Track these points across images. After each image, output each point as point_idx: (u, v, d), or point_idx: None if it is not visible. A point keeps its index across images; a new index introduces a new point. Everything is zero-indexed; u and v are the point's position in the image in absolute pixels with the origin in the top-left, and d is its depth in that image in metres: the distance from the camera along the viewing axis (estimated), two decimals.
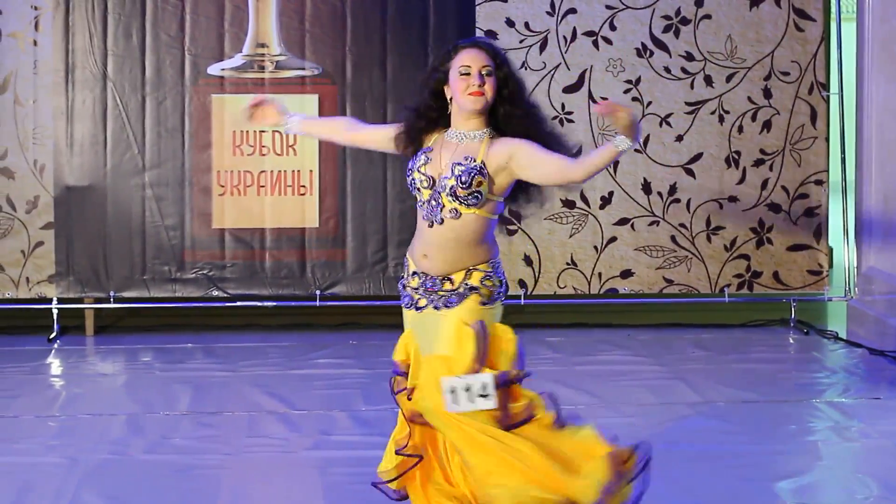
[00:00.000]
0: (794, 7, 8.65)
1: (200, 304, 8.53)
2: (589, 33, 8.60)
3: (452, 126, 4.44)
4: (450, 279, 4.37)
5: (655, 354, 7.95)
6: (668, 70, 8.63)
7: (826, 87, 8.78)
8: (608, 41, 8.60)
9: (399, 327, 4.58)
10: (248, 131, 8.37)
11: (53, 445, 6.02)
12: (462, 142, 4.40)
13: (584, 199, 8.60)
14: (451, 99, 4.43)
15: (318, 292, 8.49)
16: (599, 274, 8.64)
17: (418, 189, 4.40)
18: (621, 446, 4.33)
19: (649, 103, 8.61)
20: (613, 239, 8.64)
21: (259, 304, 8.55)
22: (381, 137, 4.64)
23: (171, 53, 8.41)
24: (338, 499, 5.28)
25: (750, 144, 8.69)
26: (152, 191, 8.40)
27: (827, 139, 8.76)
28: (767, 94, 8.68)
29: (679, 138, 8.64)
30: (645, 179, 8.63)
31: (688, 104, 8.65)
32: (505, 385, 4.30)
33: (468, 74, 4.36)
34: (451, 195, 4.32)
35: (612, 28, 8.60)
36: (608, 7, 8.59)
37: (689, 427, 6.31)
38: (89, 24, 8.36)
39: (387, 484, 4.53)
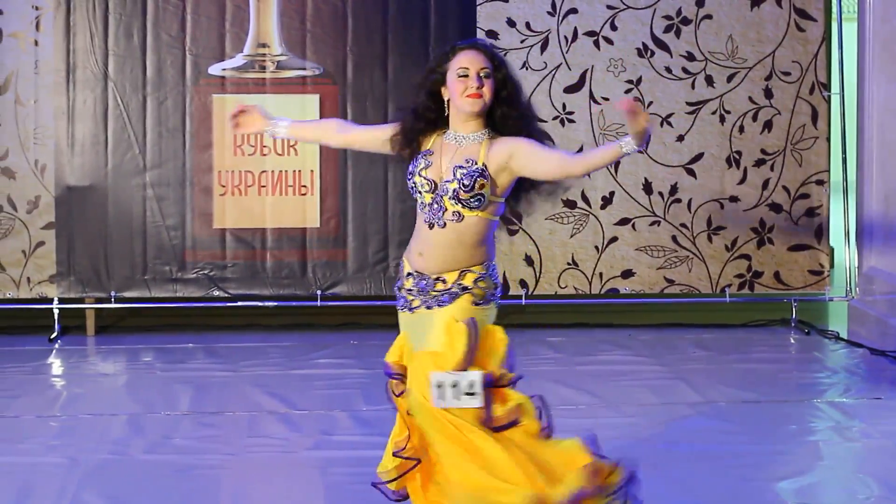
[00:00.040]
0: (795, 7, 8.65)
1: (201, 304, 8.53)
2: (590, 33, 8.60)
3: (451, 128, 4.44)
4: (442, 279, 4.36)
5: (656, 354, 7.95)
6: (669, 70, 8.63)
7: (827, 87, 8.77)
8: (609, 41, 8.60)
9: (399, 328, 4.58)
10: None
11: (54, 445, 6.02)
12: (462, 144, 4.40)
13: (585, 199, 8.60)
14: (448, 100, 4.43)
15: (318, 292, 8.49)
16: (600, 274, 8.64)
17: (419, 192, 4.40)
18: (605, 460, 4.31)
19: (650, 103, 8.61)
20: (614, 239, 8.64)
21: (260, 304, 8.55)
22: (374, 139, 4.61)
23: (172, 53, 8.41)
24: (338, 499, 5.29)
25: (751, 144, 8.69)
26: (153, 191, 8.40)
27: (828, 139, 8.76)
28: (768, 94, 8.68)
29: (680, 138, 8.64)
30: (646, 179, 8.63)
31: (689, 104, 8.65)
32: (492, 385, 4.28)
33: (466, 76, 4.36)
34: (453, 198, 4.33)
35: (613, 28, 8.60)
36: (609, 7, 8.59)
37: (689, 427, 6.31)
38: (90, 23, 8.36)
39: (386, 484, 4.53)
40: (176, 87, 8.42)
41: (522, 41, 8.57)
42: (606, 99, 8.60)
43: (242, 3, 8.45)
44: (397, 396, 4.49)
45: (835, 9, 8.79)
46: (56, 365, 7.83)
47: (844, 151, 8.75)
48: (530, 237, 8.59)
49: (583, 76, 8.60)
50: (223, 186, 8.45)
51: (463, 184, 4.31)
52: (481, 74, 4.36)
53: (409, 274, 4.45)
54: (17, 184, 8.38)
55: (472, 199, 4.32)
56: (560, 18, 8.58)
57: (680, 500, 5.25)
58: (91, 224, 8.38)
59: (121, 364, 7.80)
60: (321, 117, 8.23)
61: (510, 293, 8.59)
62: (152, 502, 5.28)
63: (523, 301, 8.62)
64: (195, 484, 5.47)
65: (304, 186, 8.49)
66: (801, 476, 5.53)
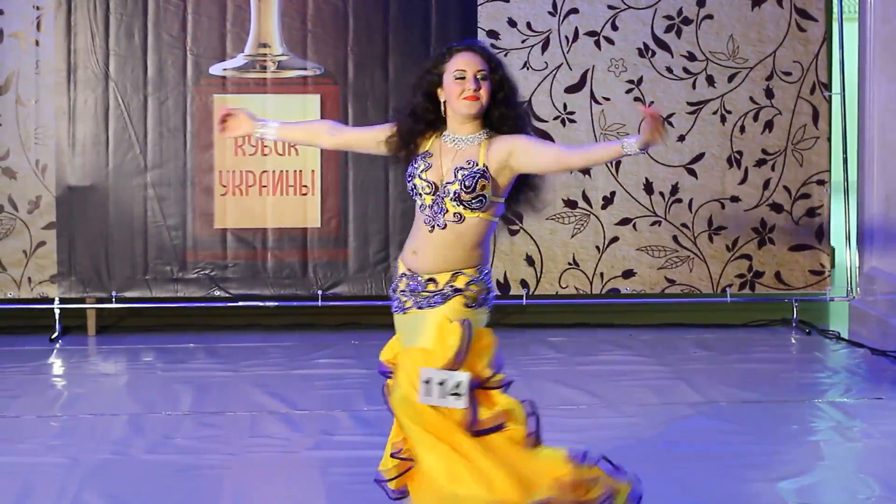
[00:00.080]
0: (796, 7, 8.65)
1: (202, 304, 8.53)
2: (591, 33, 8.60)
3: (449, 130, 4.44)
4: (433, 280, 4.36)
5: (657, 354, 7.95)
6: (669, 70, 8.63)
7: (828, 87, 8.77)
8: (610, 41, 8.60)
9: None
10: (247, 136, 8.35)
11: (55, 445, 6.02)
12: (461, 146, 4.40)
13: (585, 199, 8.60)
14: (444, 102, 4.42)
15: (319, 292, 8.49)
16: (601, 274, 8.64)
17: (420, 195, 4.40)
18: (587, 476, 4.29)
19: (651, 103, 8.60)
20: (615, 239, 8.64)
21: (261, 304, 8.55)
22: (369, 140, 4.59)
23: (173, 53, 8.41)
24: (339, 499, 5.29)
25: (752, 144, 8.69)
26: (154, 191, 8.40)
27: (829, 139, 8.76)
28: (769, 94, 8.68)
29: (681, 138, 8.64)
30: (647, 179, 8.63)
31: (690, 104, 8.65)
32: (479, 387, 4.27)
33: (463, 78, 4.36)
34: (455, 200, 4.33)
35: (614, 28, 8.60)
36: (610, 7, 8.59)
37: (690, 427, 6.31)
38: (91, 23, 8.36)
39: (387, 482, 4.53)
40: (177, 87, 8.42)
41: (523, 41, 8.57)
42: (607, 99, 8.60)
43: (243, 3, 8.45)
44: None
45: (836, 9, 8.79)
46: (57, 365, 7.83)
47: (845, 151, 8.75)
48: (531, 237, 8.59)
49: (584, 76, 8.60)
50: (224, 186, 8.45)
51: (465, 185, 4.32)
52: (478, 76, 4.36)
53: (402, 275, 4.46)
54: (18, 184, 8.38)
55: (473, 201, 4.33)
56: (561, 18, 8.58)
57: (680, 500, 5.25)
58: (92, 224, 8.38)
59: (122, 364, 7.80)
60: (322, 117, 8.23)
61: (511, 293, 8.60)
62: (153, 502, 5.28)
63: (524, 301, 8.62)
64: (196, 484, 5.47)
65: (305, 186, 8.49)
66: (802, 476, 5.53)
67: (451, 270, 4.35)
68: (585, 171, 8.56)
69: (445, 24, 8.48)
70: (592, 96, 8.60)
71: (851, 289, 8.71)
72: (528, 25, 8.57)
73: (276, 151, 8.46)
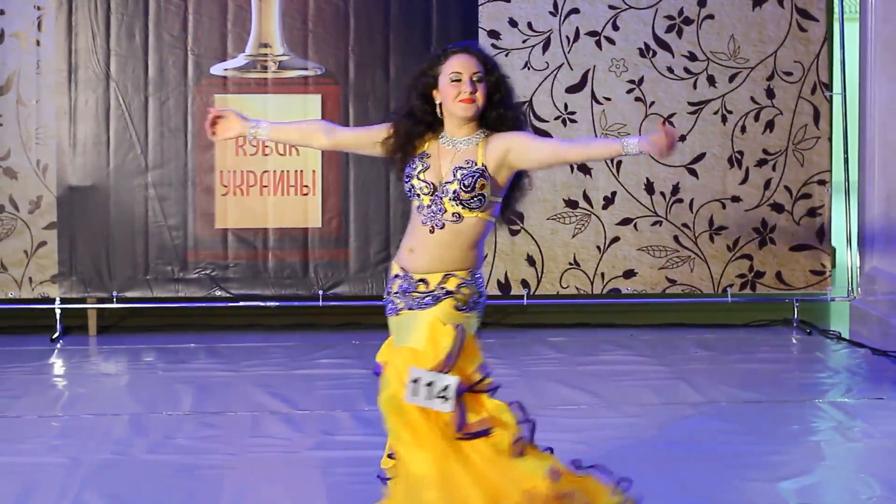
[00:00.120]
0: (797, 7, 8.65)
1: (203, 304, 8.54)
2: (592, 33, 8.60)
3: (446, 131, 4.44)
4: (425, 281, 4.36)
5: (658, 354, 7.95)
6: (670, 70, 8.63)
7: (829, 87, 8.77)
8: (611, 41, 8.60)
9: None
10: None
11: (56, 445, 6.02)
12: (459, 148, 4.40)
13: (586, 199, 8.61)
14: (440, 104, 4.42)
15: (320, 292, 8.49)
16: (602, 274, 8.64)
17: (417, 195, 4.39)
18: (563, 491, 4.25)
19: (652, 103, 8.61)
20: (616, 239, 8.64)
21: (262, 304, 8.55)
22: (364, 141, 4.57)
23: (174, 53, 8.42)
24: (340, 499, 5.29)
25: (753, 144, 8.69)
26: (155, 191, 8.41)
27: (830, 139, 8.76)
28: (770, 94, 8.68)
29: (682, 138, 8.64)
30: (648, 179, 8.63)
31: (690, 104, 8.65)
32: (467, 391, 4.26)
33: (459, 81, 4.36)
34: (454, 199, 4.33)
35: (615, 28, 8.60)
36: (611, 7, 8.59)
37: (691, 427, 6.31)
38: (92, 24, 8.36)
39: (388, 480, 4.53)
40: (178, 87, 8.42)
41: (524, 41, 8.57)
42: (608, 99, 8.60)
43: (244, 3, 8.45)
44: None
45: (836, 9, 8.79)
46: (58, 365, 7.83)
47: (846, 151, 8.75)
48: (532, 237, 8.59)
49: (585, 76, 8.60)
50: (225, 186, 8.45)
51: (464, 184, 4.32)
52: (474, 79, 4.36)
53: (395, 276, 4.45)
54: (19, 184, 8.38)
55: (472, 200, 4.33)
56: (562, 18, 8.58)
57: (681, 500, 5.25)
58: (93, 224, 8.39)
59: (122, 364, 7.80)
60: (323, 118, 8.23)
61: (512, 293, 8.60)
62: (154, 502, 5.28)
63: (525, 301, 8.62)
64: (197, 484, 5.48)
65: (306, 186, 8.49)
66: (803, 476, 5.53)
67: (444, 271, 4.35)
68: (586, 171, 8.57)
69: (446, 24, 8.49)
70: (593, 96, 8.60)
71: (852, 289, 8.71)
72: (529, 25, 8.57)
73: (276, 152, 8.46)
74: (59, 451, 5.91)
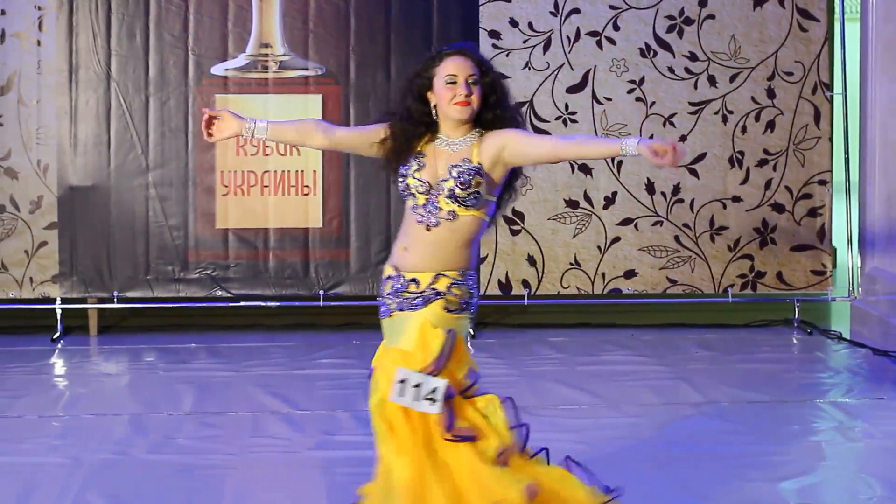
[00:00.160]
0: (798, 7, 8.65)
1: (204, 304, 8.54)
2: (592, 33, 8.60)
3: (441, 132, 4.42)
4: (416, 280, 4.34)
5: (659, 354, 7.95)
6: (671, 70, 8.63)
7: (830, 87, 8.77)
8: (612, 41, 8.60)
9: None
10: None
11: (57, 445, 6.02)
12: (454, 149, 4.39)
13: (587, 199, 8.60)
14: (434, 106, 4.41)
15: (321, 292, 8.49)
16: (603, 274, 8.64)
17: (412, 194, 4.39)
18: None
19: (653, 103, 8.61)
20: (617, 239, 8.64)
21: (262, 304, 8.55)
22: (361, 141, 4.53)
23: (175, 53, 8.42)
24: (341, 499, 5.28)
25: (753, 144, 8.69)
26: (156, 191, 8.41)
27: (830, 139, 8.76)
28: (771, 94, 8.68)
29: (683, 138, 8.64)
30: (648, 179, 8.63)
31: (691, 104, 8.65)
32: (454, 396, 4.25)
33: (454, 83, 4.35)
34: (450, 197, 4.32)
35: (616, 28, 8.59)
36: (612, 7, 8.59)
37: (692, 427, 6.31)
38: (93, 24, 8.36)
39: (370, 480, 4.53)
40: (179, 87, 8.42)
41: (525, 41, 8.57)
42: (609, 99, 8.60)
43: (245, 3, 8.45)
44: None
45: (837, 9, 8.78)
46: (59, 365, 7.84)
47: (847, 152, 8.75)
48: (533, 237, 8.59)
49: (585, 76, 8.60)
50: (226, 186, 8.46)
51: (460, 182, 4.31)
52: (469, 81, 4.35)
53: (387, 277, 4.44)
54: (20, 184, 8.38)
55: (468, 197, 4.32)
56: (563, 18, 8.58)
57: (681, 500, 5.25)
58: (94, 224, 8.39)
59: (123, 364, 7.80)
60: (324, 118, 8.23)
61: (513, 293, 8.60)
62: (155, 502, 5.28)
63: (526, 301, 8.62)
64: (198, 484, 5.48)
65: (307, 186, 8.49)
66: (804, 476, 5.53)
67: (435, 271, 4.33)
68: (587, 171, 8.57)
69: (447, 24, 8.49)
70: (594, 96, 8.60)
71: (853, 289, 8.71)
72: (530, 25, 8.57)
73: (277, 152, 8.46)
74: (59, 451, 5.91)
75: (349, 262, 8.51)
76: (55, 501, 5.24)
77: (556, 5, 8.57)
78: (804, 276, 8.74)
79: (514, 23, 8.56)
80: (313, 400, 6.85)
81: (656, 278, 8.67)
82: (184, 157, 8.44)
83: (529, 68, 8.54)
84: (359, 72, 8.47)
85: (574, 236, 8.62)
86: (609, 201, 8.62)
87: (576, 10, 8.57)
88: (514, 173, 4.50)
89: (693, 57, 8.64)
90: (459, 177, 4.32)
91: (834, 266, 9.02)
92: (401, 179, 4.42)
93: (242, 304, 8.53)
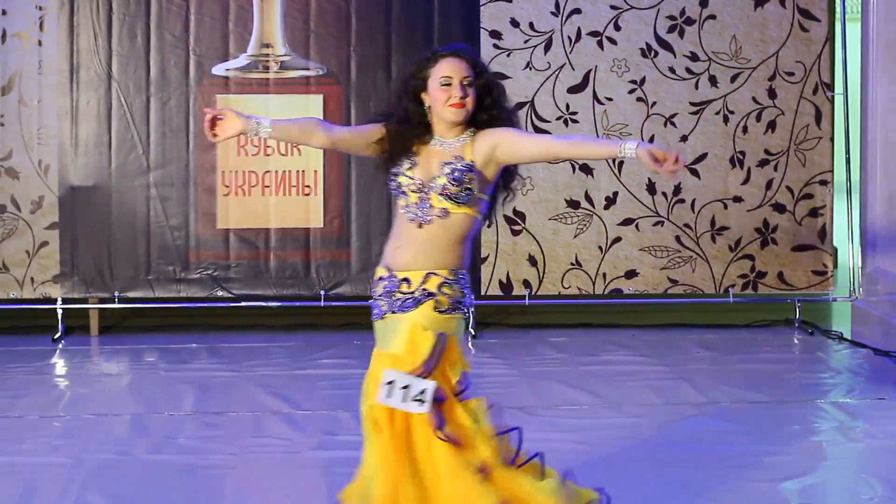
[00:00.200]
0: (799, 7, 8.65)
1: (205, 305, 8.54)
2: (593, 33, 8.60)
3: (435, 133, 4.41)
4: (407, 280, 4.33)
5: (660, 355, 7.94)
6: (672, 70, 8.63)
7: (831, 87, 8.76)
8: (613, 41, 8.60)
9: None
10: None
11: (58, 445, 6.02)
12: (447, 148, 4.38)
13: (588, 199, 8.60)
14: (428, 107, 4.40)
15: (322, 292, 8.49)
16: (604, 274, 8.63)
17: (404, 193, 4.38)
18: None
19: (654, 104, 8.61)
20: (618, 239, 8.64)
21: (263, 304, 8.55)
22: (359, 140, 4.51)
23: (176, 54, 8.42)
24: None
25: (754, 145, 8.69)
26: (157, 191, 8.41)
27: (832, 139, 8.76)
28: (772, 94, 8.68)
29: (684, 138, 8.64)
30: (649, 180, 8.62)
31: (692, 104, 8.65)
32: (444, 400, 4.24)
33: (449, 85, 4.35)
34: (442, 194, 4.31)
35: (617, 28, 8.59)
36: (613, 7, 8.59)
37: (693, 427, 6.31)
38: (94, 24, 8.36)
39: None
40: (179, 87, 8.42)
41: (526, 41, 8.57)
42: (610, 99, 8.60)
43: (246, 4, 8.45)
44: None
45: (838, 9, 8.78)
46: (59, 365, 7.84)
47: (848, 152, 8.74)
48: (534, 237, 8.59)
49: (586, 76, 8.60)
50: (227, 186, 8.46)
51: (452, 178, 4.30)
52: (464, 83, 4.35)
53: (380, 278, 4.43)
54: (21, 184, 8.38)
55: (461, 193, 4.30)
56: (564, 18, 8.58)
57: (682, 500, 5.25)
58: (95, 224, 8.39)
59: (124, 364, 7.80)
60: (325, 118, 8.23)
61: (514, 293, 8.60)
62: (156, 502, 5.28)
63: (527, 301, 8.61)
64: (198, 484, 5.48)
65: (308, 187, 8.49)
66: (805, 476, 5.53)
67: (427, 269, 4.32)
68: (588, 172, 8.57)
69: (448, 25, 8.49)
70: (595, 96, 8.60)
71: (854, 289, 8.71)
72: (531, 25, 8.57)
73: (278, 152, 8.46)
74: (60, 452, 5.91)
75: (350, 262, 8.51)
76: (56, 501, 5.24)
77: (557, 5, 8.57)
78: (805, 277, 8.74)
79: (515, 23, 8.56)
80: (314, 400, 6.85)
81: (657, 278, 8.67)
82: (185, 157, 8.44)
83: (530, 68, 8.54)
84: (360, 72, 8.47)
85: (575, 236, 8.62)
86: (610, 201, 8.62)
87: (577, 11, 8.57)
88: (509, 173, 4.49)
89: (694, 57, 8.64)
90: (452, 174, 4.31)
91: (835, 266, 9.02)
92: (392, 178, 4.41)
93: (243, 304, 8.53)
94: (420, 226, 4.34)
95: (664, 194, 8.63)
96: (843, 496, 5.37)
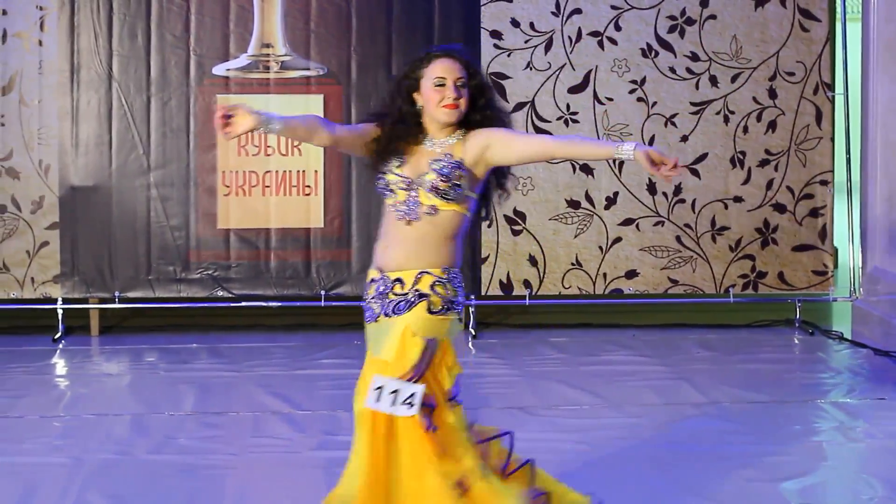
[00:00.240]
0: (800, 7, 8.65)
1: (205, 305, 8.54)
2: (594, 33, 8.60)
3: (427, 133, 4.39)
4: (400, 281, 4.32)
5: (660, 355, 7.94)
6: (673, 70, 8.63)
7: (831, 87, 8.77)
8: (613, 41, 8.60)
9: None
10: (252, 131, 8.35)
11: (58, 445, 6.02)
12: (437, 148, 4.37)
13: (588, 199, 8.60)
14: (421, 107, 4.40)
15: (322, 292, 8.49)
16: (604, 274, 8.64)
17: (392, 191, 4.36)
18: None
19: (654, 104, 8.61)
20: (618, 239, 8.64)
21: (264, 304, 8.55)
22: (355, 140, 4.48)
23: (177, 54, 8.42)
24: None
25: (755, 145, 8.69)
26: (157, 191, 8.41)
27: (832, 139, 8.76)
28: (772, 94, 8.68)
29: (684, 139, 8.64)
30: (650, 180, 8.63)
31: (693, 104, 8.65)
32: (436, 407, 4.23)
33: (443, 86, 4.34)
34: (431, 190, 4.29)
35: (618, 28, 8.59)
36: (613, 7, 8.59)
37: (693, 427, 6.31)
38: (94, 24, 8.36)
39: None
40: (180, 87, 8.43)
41: (526, 41, 8.57)
42: (610, 99, 8.60)
43: (246, 4, 8.45)
44: None
45: (839, 9, 8.79)
46: (60, 365, 7.84)
47: (848, 152, 8.75)
48: (534, 237, 8.59)
49: (587, 76, 8.60)
50: (227, 187, 8.46)
51: (442, 174, 4.28)
52: (458, 84, 4.34)
53: (371, 280, 4.42)
54: (22, 184, 8.38)
55: (450, 190, 4.28)
56: (564, 19, 8.58)
57: (682, 500, 5.25)
58: (95, 224, 8.39)
59: (125, 364, 7.80)
60: (325, 118, 8.22)
61: (514, 293, 8.60)
62: (156, 502, 5.28)
63: (527, 301, 8.62)
64: (199, 484, 5.48)
65: (308, 187, 8.49)
66: (805, 476, 5.52)
67: (418, 268, 4.30)
68: (588, 172, 8.57)
69: (448, 25, 8.49)
70: (595, 96, 8.60)
71: (854, 289, 8.71)
72: (532, 26, 8.57)
73: (279, 152, 8.47)
74: (61, 452, 5.91)
75: (350, 262, 8.51)
76: (56, 502, 5.24)
77: (557, 5, 8.57)
78: (805, 277, 8.74)
79: (515, 23, 8.56)
80: (314, 400, 6.86)
81: (658, 278, 8.67)
82: (185, 157, 8.44)
83: (531, 68, 8.54)
84: (360, 72, 8.47)
85: (575, 236, 8.62)
86: (610, 201, 8.62)
87: (577, 11, 8.57)
88: (502, 172, 4.47)
89: (694, 57, 8.64)
90: (441, 170, 4.29)
91: (835, 266, 9.02)
92: (380, 177, 4.39)
93: (244, 304, 8.53)
94: (408, 223, 4.32)
95: (665, 194, 8.63)
96: (844, 496, 5.38)
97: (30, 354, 7.94)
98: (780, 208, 8.69)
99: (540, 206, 8.58)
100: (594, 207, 8.61)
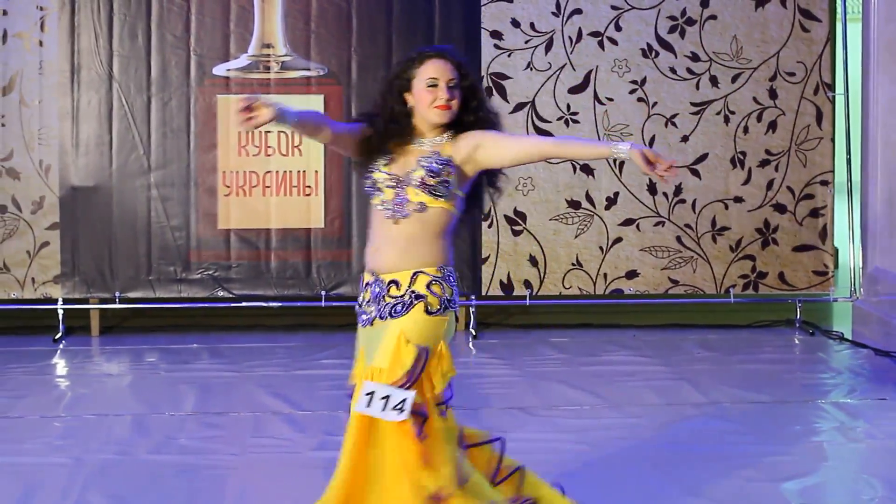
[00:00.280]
0: (800, 7, 8.65)
1: (206, 305, 8.54)
2: (594, 34, 8.60)
3: (417, 133, 4.38)
4: (395, 282, 4.30)
5: (661, 355, 7.94)
6: (673, 70, 8.63)
7: (832, 87, 8.77)
8: (613, 42, 8.60)
9: None
10: (253, 131, 8.36)
11: (59, 446, 6.02)
12: (426, 147, 4.35)
13: (589, 199, 8.60)
14: (412, 107, 4.38)
15: (323, 293, 8.50)
16: (605, 274, 8.64)
17: (379, 189, 4.35)
18: None
19: (655, 104, 8.61)
20: (619, 239, 8.64)
21: (264, 304, 8.55)
22: (349, 139, 4.46)
23: (177, 54, 8.42)
24: None
25: (755, 145, 8.69)
26: (158, 191, 8.41)
27: (832, 140, 8.76)
28: (773, 94, 8.68)
29: (684, 139, 8.64)
30: (650, 180, 8.62)
31: (693, 105, 8.65)
32: (428, 417, 4.22)
33: (435, 87, 4.32)
34: (419, 186, 4.27)
35: (618, 28, 8.59)
36: (613, 7, 8.59)
37: (694, 428, 6.31)
38: (95, 24, 8.36)
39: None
40: (180, 87, 8.43)
41: (527, 41, 8.57)
42: (611, 99, 8.60)
43: (247, 4, 8.45)
44: None
45: (839, 9, 8.79)
46: (60, 365, 7.84)
47: (849, 152, 8.75)
48: (535, 238, 8.59)
49: (587, 77, 8.60)
50: (228, 187, 8.46)
51: (431, 170, 4.27)
52: (450, 85, 4.33)
53: (366, 284, 4.40)
54: (22, 184, 8.39)
55: (438, 186, 4.26)
56: (564, 19, 8.58)
57: (682, 500, 5.25)
58: (95, 224, 8.39)
59: (125, 364, 7.80)
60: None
61: (514, 293, 8.60)
62: (156, 502, 5.28)
63: (528, 302, 8.61)
64: (199, 484, 5.48)
65: (309, 187, 8.49)
66: (806, 477, 5.52)
67: (412, 268, 4.29)
68: (588, 172, 8.57)
69: (448, 25, 8.49)
70: (596, 97, 8.60)
71: (855, 289, 8.71)
72: (532, 26, 8.57)
73: (279, 152, 8.47)
74: (61, 452, 5.91)
75: (351, 262, 8.51)
76: (57, 502, 5.24)
77: (557, 6, 8.57)
78: (806, 277, 8.74)
79: (515, 23, 8.56)
80: (315, 400, 6.85)
81: (658, 279, 8.67)
82: (185, 157, 8.44)
83: (531, 69, 8.54)
84: (360, 72, 8.47)
85: (576, 237, 8.62)
86: (611, 202, 8.62)
87: (577, 11, 8.57)
88: (493, 173, 4.45)
89: (695, 57, 8.64)
90: (430, 166, 4.27)
91: (836, 266, 9.02)
92: (367, 176, 4.38)
93: (244, 304, 8.53)
94: (396, 222, 4.31)
95: (665, 195, 8.64)
96: (844, 496, 5.38)
97: (30, 355, 7.94)
98: (780, 208, 8.69)
99: (540, 207, 8.58)
100: (594, 208, 8.61)
